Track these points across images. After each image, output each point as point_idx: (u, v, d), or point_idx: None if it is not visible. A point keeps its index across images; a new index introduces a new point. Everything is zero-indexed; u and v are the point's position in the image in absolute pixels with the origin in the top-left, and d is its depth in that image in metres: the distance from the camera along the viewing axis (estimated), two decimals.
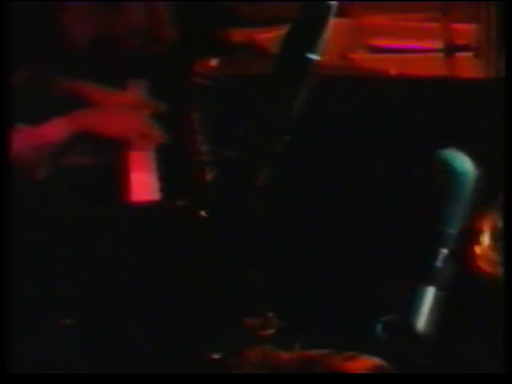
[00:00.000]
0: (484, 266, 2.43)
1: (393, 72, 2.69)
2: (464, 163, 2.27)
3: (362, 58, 2.77)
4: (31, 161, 2.68)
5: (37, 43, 2.82)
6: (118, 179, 2.66)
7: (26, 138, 2.67)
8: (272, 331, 2.49)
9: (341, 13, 2.63)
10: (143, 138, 2.73)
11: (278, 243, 2.50)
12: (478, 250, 2.43)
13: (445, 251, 2.23)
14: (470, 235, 2.40)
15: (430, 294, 2.19)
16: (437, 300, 2.20)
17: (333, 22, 2.54)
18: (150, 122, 2.76)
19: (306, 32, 2.48)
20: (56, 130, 2.69)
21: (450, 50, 2.68)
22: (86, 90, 2.91)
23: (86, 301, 2.63)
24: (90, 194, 2.74)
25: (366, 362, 2.29)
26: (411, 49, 2.81)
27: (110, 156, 2.81)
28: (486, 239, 2.43)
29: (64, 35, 2.94)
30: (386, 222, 2.46)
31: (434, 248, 2.23)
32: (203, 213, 2.48)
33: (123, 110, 2.84)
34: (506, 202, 2.20)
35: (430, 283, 2.20)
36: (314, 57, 2.44)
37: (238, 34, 2.84)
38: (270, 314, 2.49)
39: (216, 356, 2.42)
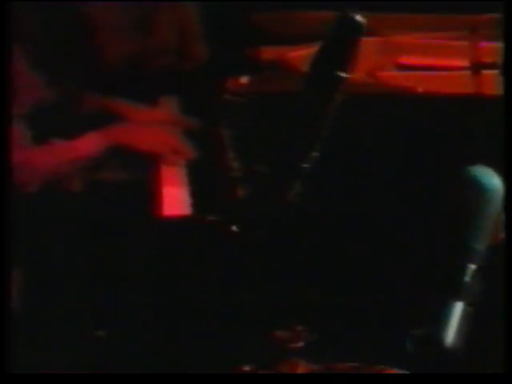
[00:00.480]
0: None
1: (420, 89, 2.68)
2: (492, 179, 2.26)
3: (390, 75, 2.76)
4: (65, 174, 2.68)
5: (72, 61, 2.83)
6: (150, 194, 2.66)
7: (61, 152, 2.68)
8: (301, 344, 2.48)
9: (370, 31, 2.64)
10: (175, 154, 2.73)
11: (307, 257, 2.49)
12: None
13: (473, 267, 2.22)
14: (498, 251, 2.38)
15: (458, 308, 2.18)
16: (465, 315, 2.18)
17: (362, 40, 2.54)
18: (182, 138, 2.76)
19: (337, 50, 2.48)
20: (90, 144, 2.70)
21: (477, 67, 2.66)
22: (117, 106, 2.92)
23: (118, 313, 2.64)
24: (122, 208, 2.74)
25: None
26: (438, 67, 2.80)
27: (143, 171, 2.81)
28: None
29: (98, 54, 2.94)
30: (416, 238, 2.45)
31: (462, 263, 2.22)
32: (234, 227, 2.48)
33: (156, 126, 2.84)
34: (506, 202, 2.18)
35: (459, 298, 2.18)
36: (343, 75, 2.44)
37: (269, 52, 2.84)
38: (300, 328, 2.49)
39: (247, 368, 2.41)
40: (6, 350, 2.20)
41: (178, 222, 2.55)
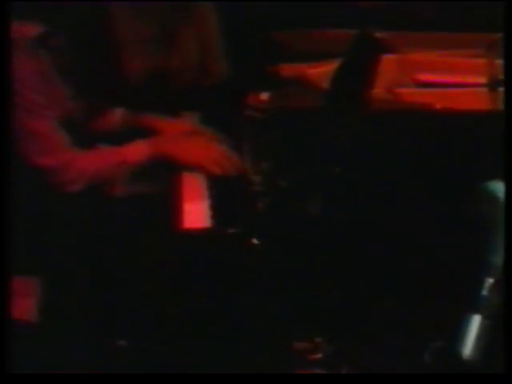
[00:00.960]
0: None
1: (438, 106, 2.68)
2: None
3: (408, 92, 2.76)
4: (110, 178, 2.68)
5: (98, 75, 2.83)
6: (172, 207, 2.65)
7: (109, 156, 2.70)
8: (320, 355, 2.47)
9: (388, 49, 2.64)
10: (219, 167, 2.72)
11: (327, 269, 2.48)
12: None
13: (490, 280, 2.21)
14: None
15: (476, 321, 2.16)
16: (483, 328, 2.17)
17: (381, 57, 2.54)
18: (227, 152, 2.75)
19: (357, 67, 2.47)
20: (139, 151, 2.71)
21: (494, 84, 2.65)
22: (146, 120, 2.92)
23: (140, 324, 2.63)
24: (144, 220, 2.73)
25: None
26: (456, 83, 2.79)
27: (164, 184, 2.81)
28: None
29: (123, 69, 2.95)
30: (434, 252, 2.44)
31: (480, 277, 2.20)
32: (254, 240, 2.47)
33: (202, 138, 2.82)
34: (506, 202, 2.17)
35: (476, 311, 2.17)
36: (363, 91, 2.44)
37: (288, 69, 2.84)
38: (319, 339, 2.47)
39: None
40: (6, 350, 2.18)
41: (199, 234, 2.54)
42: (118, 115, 2.92)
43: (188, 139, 2.83)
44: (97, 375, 2.39)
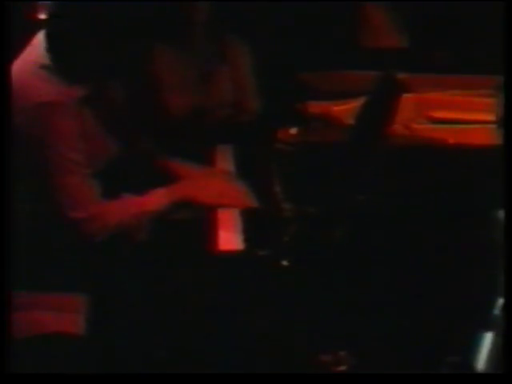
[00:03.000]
0: None
1: (451, 141, 2.67)
2: None
3: (423, 128, 2.75)
4: (132, 227, 2.59)
5: (141, 119, 2.80)
6: (207, 231, 2.63)
7: (131, 206, 2.59)
8: (343, 368, 2.44)
9: (405, 89, 2.63)
10: (238, 203, 2.66)
11: (351, 289, 2.46)
12: None
13: (501, 300, 2.18)
14: None
15: (488, 338, 2.14)
16: (494, 344, 2.14)
17: (399, 96, 2.54)
18: (243, 189, 2.69)
19: (379, 105, 2.47)
20: (157, 199, 2.62)
21: (501, 122, 2.63)
22: (177, 167, 2.84)
23: (178, 340, 2.60)
24: (181, 244, 2.71)
25: None
26: (467, 121, 2.78)
27: (200, 210, 2.79)
28: None
29: (164, 108, 2.93)
30: (450, 274, 2.42)
31: (492, 298, 2.18)
32: (284, 262, 2.46)
33: (219, 178, 2.76)
34: (506, 203, 2.14)
35: (489, 329, 2.14)
36: (385, 127, 2.43)
37: (315, 107, 2.84)
38: (342, 352, 2.45)
39: None
40: (6, 350, 2.12)
41: (233, 256, 2.52)
42: (157, 161, 2.83)
43: (207, 181, 2.74)
44: (97, 375, 2.33)
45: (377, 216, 2.47)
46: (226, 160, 2.93)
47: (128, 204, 2.60)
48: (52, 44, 2.48)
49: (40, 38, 2.52)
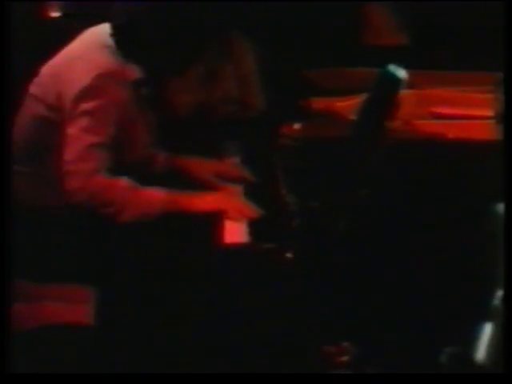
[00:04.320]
0: None
1: (450, 135, 2.66)
2: None
3: (424, 123, 2.75)
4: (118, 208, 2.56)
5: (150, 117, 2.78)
6: (214, 224, 2.62)
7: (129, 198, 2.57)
8: (346, 358, 2.44)
9: (407, 85, 2.62)
10: (237, 213, 2.61)
11: (353, 281, 2.46)
12: None
13: (501, 291, 2.18)
14: None
15: (488, 329, 2.14)
16: (494, 335, 2.14)
17: (401, 92, 2.53)
18: (243, 200, 2.66)
19: (380, 101, 2.46)
20: (151, 202, 2.57)
21: (500, 117, 2.62)
22: (184, 163, 2.83)
23: (182, 330, 2.59)
24: (187, 237, 2.70)
25: None
26: (466, 116, 2.78)
27: None
28: None
29: (170, 105, 2.92)
30: (452, 267, 2.42)
31: (491, 289, 2.18)
32: (288, 254, 2.45)
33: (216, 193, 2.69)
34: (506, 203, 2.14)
35: (489, 320, 2.14)
36: (386, 123, 2.43)
37: (319, 103, 2.84)
38: (345, 343, 2.45)
39: None
40: (6, 349, 2.11)
41: (238, 249, 2.52)
42: (162, 158, 2.82)
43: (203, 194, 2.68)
44: (97, 375, 2.34)
45: (379, 210, 2.47)
46: (231, 156, 2.92)
47: (157, 197, 2.55)
48: (116, 31, 2.57)
49: (102, 27, 2.62)
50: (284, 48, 3.10)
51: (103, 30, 2.62)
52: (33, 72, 2.66)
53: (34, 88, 2.65)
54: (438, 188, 2.54)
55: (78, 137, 2.51)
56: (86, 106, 2.51)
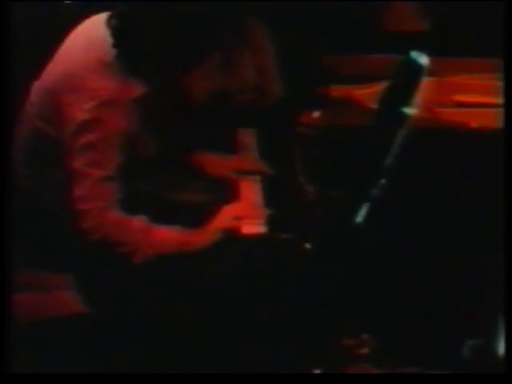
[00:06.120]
0: None
1: (473, 124, 2.64)
2: None
3: (446, 112, 2.72)
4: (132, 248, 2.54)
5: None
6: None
7: (170, 240, 2.55)
8: (367, 351, 2.43)
9: (428, 72, 2.60)
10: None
11: (372, 272, 2.44)
12: None
13: None
14: None
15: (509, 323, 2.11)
16: None
17: (422, 80, 2.50)
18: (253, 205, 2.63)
19: (401, 89, 2.44)
20: (204, 238, 2.55)
21: None
22: (200, 159, 2.83)
23: (199, 323, 2.58)
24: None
25: None
26: (490, 104, 2.75)
27: (223, 193, 2.77)
28: None
29: (186, 93, 2.91)
30: (474, 258, 2.40)
31: None
32: (307, 245, 2.44)
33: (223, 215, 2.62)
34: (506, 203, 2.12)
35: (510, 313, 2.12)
36: (407, 111, 2.41)
37: (338, 90, 2.81)
38: (365, 335, 2.43)
39: (317, 371, 2.36)
40: (6, 349, 2.10)
41: (256, 240, 2.51)
42: (181, 156, 2.82)
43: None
44: (97, 375, 2.32)
45: (399, 199, 2.45)
46: (249, 144, 2.92)
47: (170, 238, 2.53)
48: (118, 40, 2.49)
49: (103, 35, 2.52)
50: (303, 34, 3.08)
51: (104, 39, 2.51)
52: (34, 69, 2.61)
53: (33, 96, 2.59)
54: (459, 178, 2.52)
55: (85, 173, 2.46)
56: (88, 138, 2.45)
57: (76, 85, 2.47)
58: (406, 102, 2.44)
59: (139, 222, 2.52)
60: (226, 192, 2.76)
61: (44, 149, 2.57)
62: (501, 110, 2.72)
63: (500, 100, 2.73)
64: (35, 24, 3.01)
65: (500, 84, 2.79)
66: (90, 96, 2.45)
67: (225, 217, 2.59)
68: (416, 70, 2.50)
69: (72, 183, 2.47)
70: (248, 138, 2.95)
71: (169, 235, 2.54)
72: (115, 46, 2.49)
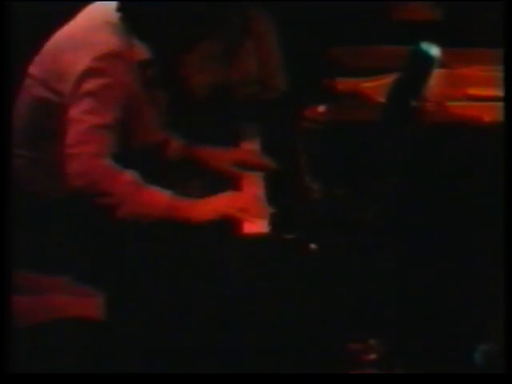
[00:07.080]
0: None
1: (486, 119, 2.57)
2: None
3: (457, 105, 2.66)
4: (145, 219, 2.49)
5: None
6: None
7: (161, 203, 2.47)
8: (374, 356, 2.38)
9: (439, 64, 2.55)
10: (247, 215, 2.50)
11: (379, 273, 2.38)
12: None
13: None
14: None
15: None
16: None
17: (432, 72, 2.45)
18: (255, 199, 2.57)
19: (411, 81, 2.39)
20: (201, 213, 2.48)
21: None
22: (198, 151, 2.77)
23: (202, 321, 2.54)
24: (206, 227, 2.63)
25: None
26: (500, 97, 2.68)
27: (223, 190, 2.71)
28: None
29: (185, 85, 2.87)
30: (484, 260, 2.34)
31: None
32: (312, 245, 2.38)
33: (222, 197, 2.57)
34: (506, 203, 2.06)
35: None
36: (417, 104, 2.35)
37: (344, 83, 2.77)
38: (372, 341, 2.38)
39: None
40: (6, 350, 2.09)
41: (259, 239, 2.45)
42: (175, 146, 2.76)
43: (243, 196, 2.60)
44: (97, 375, 2.30)
45: (407, 197, 2.39)
46: (251, 138, 2.88)
47: (160, 199, 2.46)
48: (122, 6, 2.52)
49: (107, 2, 2.56)
50: (308, 24, 3.04)
51: (108, 5, 2.56)
52: (33, 50, 2.60)
53: (34, 68, 2.59)
54: (472, 174, 2.46)
55: (80, 119, 2.44)
56: (88, 86, 2.44)
57: (79, 42, 2.50)
58: (416, 95, 2.39)
59: (131, 175, 2.45)
60: (228, 186, 2.71)
61: (44, 121, 2.54)
62: None
63: None
64: (35, 24, 2.99)
65: None
66: (94, 47, 2.47)
67: (224, 201, 2.51)
68: (427, 62, 2.45)
69: (66, 131, 2.43)
70: (250, 133, 2.91)
71: (159, 196, 2.46)
72: (119, 9, 2.52)
